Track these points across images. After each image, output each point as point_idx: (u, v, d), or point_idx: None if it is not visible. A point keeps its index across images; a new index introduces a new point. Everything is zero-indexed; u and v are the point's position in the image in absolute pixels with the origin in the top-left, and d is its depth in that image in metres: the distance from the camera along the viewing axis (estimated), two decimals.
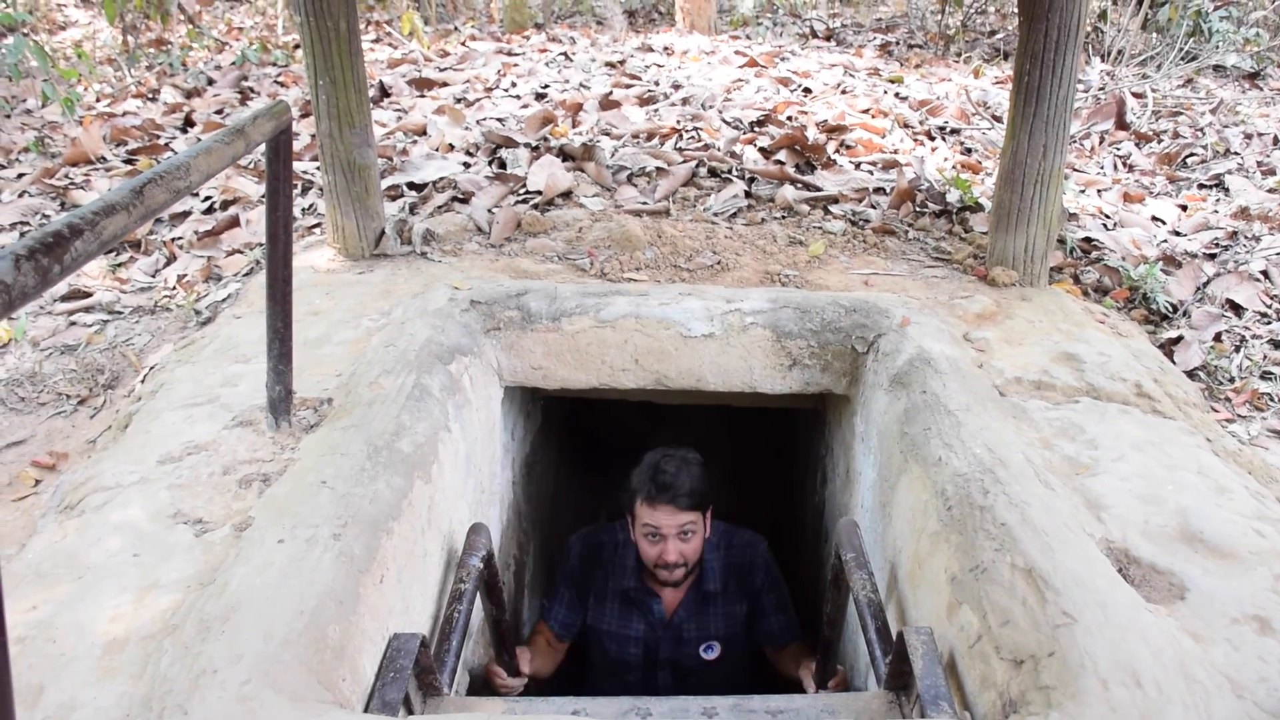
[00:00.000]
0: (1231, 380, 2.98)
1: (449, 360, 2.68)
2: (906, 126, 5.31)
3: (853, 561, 2.32)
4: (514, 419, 3.51)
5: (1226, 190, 4.39)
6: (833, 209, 3.95)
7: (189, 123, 5.47)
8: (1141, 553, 1.94)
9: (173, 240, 3.85)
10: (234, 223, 3.93)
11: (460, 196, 4.00)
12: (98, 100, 6.15)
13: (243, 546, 1.85)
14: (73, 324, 3.31)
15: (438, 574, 2.31)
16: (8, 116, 5.64)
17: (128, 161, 4.75)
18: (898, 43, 8.80)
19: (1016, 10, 3.11)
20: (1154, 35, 7.78)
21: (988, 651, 1.72)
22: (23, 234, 3.97)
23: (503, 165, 4.36)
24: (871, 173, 4.44)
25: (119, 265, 3.70)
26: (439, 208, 3.91)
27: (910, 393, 2.53)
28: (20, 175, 4.63)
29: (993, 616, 1.75)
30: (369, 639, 1.79)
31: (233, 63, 7.09)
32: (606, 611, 3.24)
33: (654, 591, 3.17)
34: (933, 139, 5.16)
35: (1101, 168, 4.84)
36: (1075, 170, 4.74)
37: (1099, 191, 4.41)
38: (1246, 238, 3.74)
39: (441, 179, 4.17)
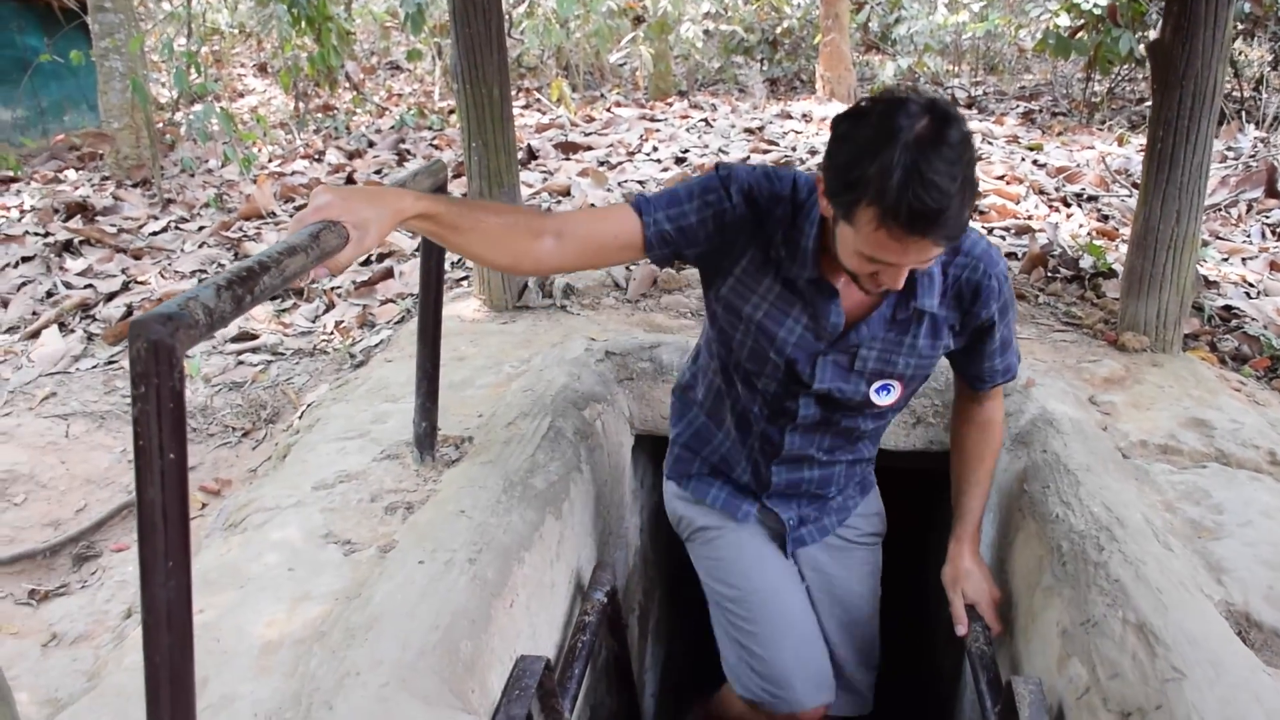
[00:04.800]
0: None
1: (583, 406, 2.82)
2: (1041, 193, 5.29)
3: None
4: (644, 467, 3.62)
5: None
6: None
7: (350, 181, 5.87)
8: (1264, 617, 1.91)
9: (332, 289, 4.14)
10: (388, 274, 4.21)
11: None
12: (270, 160, 6.65)
13: (386, 566, 2.01)
14: (240, 363, 3.60)
15: (564, 605, 2.42)
16: (192, 175, 6.15)
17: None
18: (1041, 110, 8.74)
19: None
20: None
21: (1095, 704, 1.73)
22: (200, 281, 4.33)
23: None
24: (1004, 238, 4.45)
25: (283, 311, 4.00)
26: None
27: (1031, 451, 2.54)
28: (201, 228, 5.06)
29: (1102, 669, 1.76)
30: (497, 657, 1.92)
31: (392, 127, 7.56)
32: (756, 290, 2.06)
33: (834, 288, 2.00)
34: (1068, 205, 5.13)
35: (1248, 236, 4.72)
36: (1219, 238, 4.64)
37: (1243, 260, 4.30)
38: None
39: None
